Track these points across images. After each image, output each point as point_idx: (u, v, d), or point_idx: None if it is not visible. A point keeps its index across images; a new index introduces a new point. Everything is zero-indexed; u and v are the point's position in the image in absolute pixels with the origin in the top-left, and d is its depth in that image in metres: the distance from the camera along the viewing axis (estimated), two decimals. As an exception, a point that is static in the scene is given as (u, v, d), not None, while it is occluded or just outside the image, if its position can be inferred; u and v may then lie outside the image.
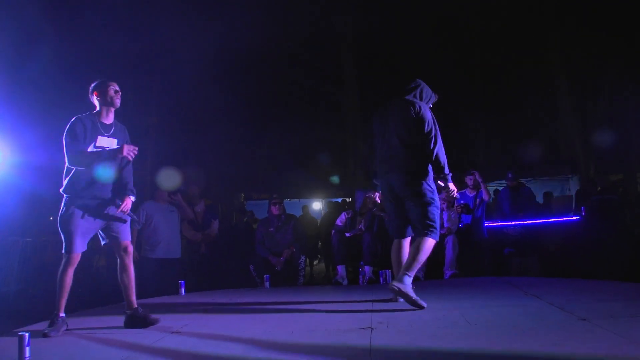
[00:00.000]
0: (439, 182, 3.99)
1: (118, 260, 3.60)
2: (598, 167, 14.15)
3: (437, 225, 3.84)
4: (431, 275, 6.04)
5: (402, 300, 3.89)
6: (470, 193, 6.79)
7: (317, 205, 15.04)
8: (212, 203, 7.81)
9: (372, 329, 3.02)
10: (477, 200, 6.68)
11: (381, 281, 5.50)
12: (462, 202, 6.68)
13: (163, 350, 2.85)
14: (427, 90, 4.11)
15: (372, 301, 4.03)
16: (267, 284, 5.62)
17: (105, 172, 3.49)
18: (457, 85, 14.46)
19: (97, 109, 3.61)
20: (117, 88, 3.63)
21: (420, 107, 3.90)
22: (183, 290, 5.19)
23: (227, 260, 6.96)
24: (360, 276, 6.02)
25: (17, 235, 7.26)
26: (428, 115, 3.87)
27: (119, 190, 3.65)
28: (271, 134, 16.34)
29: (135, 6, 11.25)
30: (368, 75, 15.37)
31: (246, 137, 15.97)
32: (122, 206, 3.59)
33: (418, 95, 4.05)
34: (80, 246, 3.44)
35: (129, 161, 3.68)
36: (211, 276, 6.59)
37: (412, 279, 3.75)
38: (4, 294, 6.57)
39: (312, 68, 15.58)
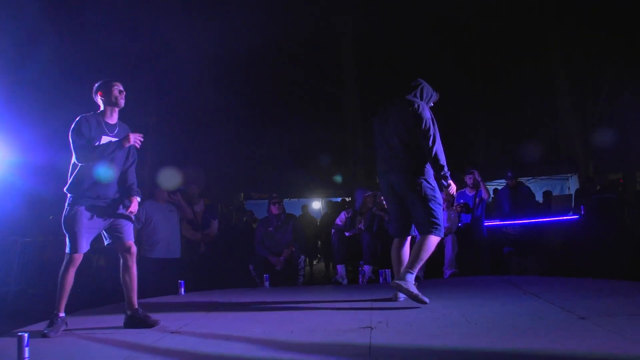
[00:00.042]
0: (439, 181, 4.00)
1: (121, 260, 3.60)
2: (598, 167, 14.17)
3: (441, 222, 3.87)
4: (431, 275, 6.04)
5: (402, 299, 3.91)
6: (469, 192, 6.79)
7: (316, 204, 15.04)
8: (211, 203, 7.80)
9: (372, 328, 3.02)
10: (477, 199, 6.68)
11: (381, 280, 5.50)
12: (461, 201, 6.69)
13: (163, 350, 2.85)
14: (427, 89, 4.12)
15: (372, 300, 4.03)
16: (266, 283, 5.62)
17: (106, 172, 3.48)
18: (457, 85, 14.47)
19: (101, 108, 3.60)
20: (121, 88, 3.62)
21: (419, 105, 3.91)
22: (183, 290, 5.19)
23: (226, 260, 6.95)
24: (360, 276, 6.02)
25: (16, 235, 7.26)
26: (427, 114, 3.88)
27: (123, 190, 3.65)
28: (271, 133, 16.34)
29: (135, 6, 11.25)
30: (368, 75, 15.39)
31: (246, 136, 15.97)
32: (131, 207, 3.59)
33: (418, 95, 4.05)
34: (83, 246, 3.43)
35: (134, 160, 3.69)
36: (211, 276, 6.58)
37: (414, 276, 3.78)
38: (3, 294, 6.57)
39: (312, 68, 15.59)
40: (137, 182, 3.78)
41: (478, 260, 6.43)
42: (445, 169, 3.84)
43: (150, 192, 6.44)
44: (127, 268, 3.58)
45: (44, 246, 7.53)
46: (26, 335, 2.65)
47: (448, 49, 15.34)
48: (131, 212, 3.61)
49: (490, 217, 7.17)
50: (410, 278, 3.74)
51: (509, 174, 7.43)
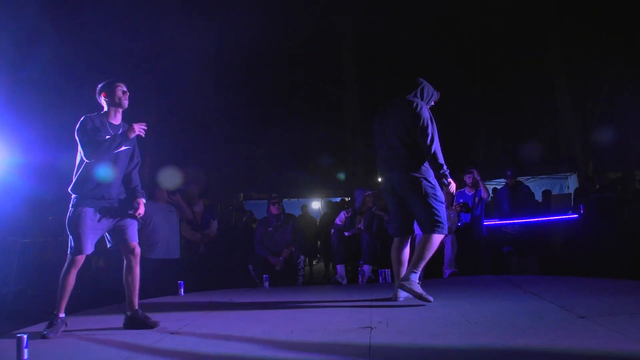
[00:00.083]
0: (439, 180, 4.00)
1: (125, 261, 3.59)
2: (597, 166, 14.17)
3: (443, 219, 3.88)
4: (430, 275, 6.03)
5: (401, 299, 3.92)
6: (469, 192, 6.79)
7: (316, 204, 15.04)
8: (211, 203, 7.80)
9: (372, 328, 3.02)
10: (476, 198, 6.68)
11: (380, 280, 5.51)
12: (461, 200, 6.69)
13: (163, 350, 2.85)
14: (428, 89, 4.13)
15: (372, 300, 4.03)
16: (266, 283, 5.62)
17: (110, 172, 3.48)
18: (457, 85, 14.47)
19: (105, 109, 3.60)
20: (125, 89, 3.62)
21: (417, 104, 3.93)
22: (182, 290, 5.19)
23: (226, 260, 6.95)
24: (360, 275, 6.02)
25: (16, 235, 7.25)
26: (425, 114, 3.90)
27: (128, 191, 3.65)
28: (271, 133, 16.34)
29: (135, 6, 11.24)
30: (368, 75, 15.38)
31: (246, 136, 15.96)
32: (139, 209, 3.59)
33: (419, 94, 4.07)
34: (88, 248, 3.41)
35: (138, 162, 3.69)
36: (210, 276, 6.58)
37: (418, 275, 3.83)
38: (3, 295, 6.56)
39: (312, 68, 15.58)
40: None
41: (477, 260, 6.43)
42: (444, 167, 3.85)
43: (149, 192, 6.44)
44: (130, 269, 3.57)
45: (44, 247, 7.53)
46: (25, 336, 2.64)
47: (448, 49, 15.34)
48: (139, 214, 3.61)
49: (489, 217, 7.17)
50: (415, 277, 3.80)
51: (508, 173, 7.44)
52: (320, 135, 16.60)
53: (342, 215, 6.69)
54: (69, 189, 3.48)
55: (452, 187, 3.96)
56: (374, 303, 3.91)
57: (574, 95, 14.48)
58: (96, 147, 3.40)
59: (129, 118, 3.73)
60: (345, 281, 6.19)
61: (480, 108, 16.20)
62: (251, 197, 14.53)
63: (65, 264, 3.42)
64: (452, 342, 2.64)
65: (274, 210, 6.59)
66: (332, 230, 6.63)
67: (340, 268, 6.31)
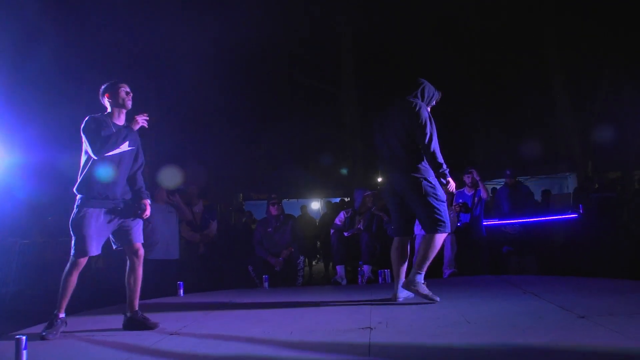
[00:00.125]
0: (438, 179, 4.01)
1: (128, 262, 3.59)
2: (597, 166, 14.17)
3: (445, 218, 3.90)
4: (430, 275, 5.97)
5: (401, 299, 3.93)
6: (468, 192, 6.79)
7: (315, 205, 15.04)
8: (210, 203, 7.79)
9: (372, 328, 3.02)
10: (476, 198, 6.69)
11: (380, 281, 5.51)
12: (460, 201, 6.69)
13: (162, 351, 2.85)
14: (429, 89, 4.14)
15: (371, 301, 4.03)
16: (265, 284, 5.62)
17: (111, 172, 3.47)
18: (456, 85, 14.46)
19: (109, 110, 3.60)
20: (128, 89, 3.61)
21: (416, 104, 3.95)
22: (182, 291, 5.18)
23: (225, 261, 6.94)
24: (359, 276, 6.02)
25: (16, 236, 7.24)
26: (424, 113, 3.91)
27: (132, 192, 3.65)
28: (270, 133, 16.32)
29: (134, 5, 11.23)
30: (368, 75, 15.38)
31: (245, 137, 15.95)
32: (146, 211, 3.60)
33: (419, 95, 4.08)
34: (91, 249, 3.38)
35: (142, 163, 3.70)
36: (210, 277, 6.57)
37: (423, 275, 3.86)
38: (2, 296, 6.56)
39: (312, 68, 15.57)
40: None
41: (477, 260, 6.43)
42: (444, 166, 3.87)
43: (150, 193, 6.42)
44: (133, 270, 3.57)
45: (43, 247, 7.51)
46: (24, 337, 2.64)
47: (448, 49, 15.33)
48: (146, 216, 3.62)
49: (489, 217, 7.17)
50: (420, 278, 3.84)
51: (508, 173, 7.44)
52: (319, 136, 16.59)
53: (342, 216, 6.68)
54: (74, 189, 3.47)
55: (451, 186, 3.97)
56: (373, 303, 3.91)
57: (573, 95, 14.50)
58: (104, 142, 3.40)
59: (129, 118, 3.73)
60: (344, 282, 6.19)
61: (479, 108, 16.20)
62: (250, 197, 14.53)
63: (68, 265, 3.40)
64: (452, 343, 2.64)
65: (273, 210, 6.59)
66: (332, 231, 6.62)
67: (340, 268, 6.31)
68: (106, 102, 3.60)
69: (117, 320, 3.58)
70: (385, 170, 4.12)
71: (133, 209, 3.58)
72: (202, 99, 13.17)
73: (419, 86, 4.11)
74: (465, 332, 2.85)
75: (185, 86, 12.34)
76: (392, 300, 3.95)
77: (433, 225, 3.85)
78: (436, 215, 3.85)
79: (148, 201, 3.67)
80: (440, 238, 3.89)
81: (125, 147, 3.54)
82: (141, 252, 3.60)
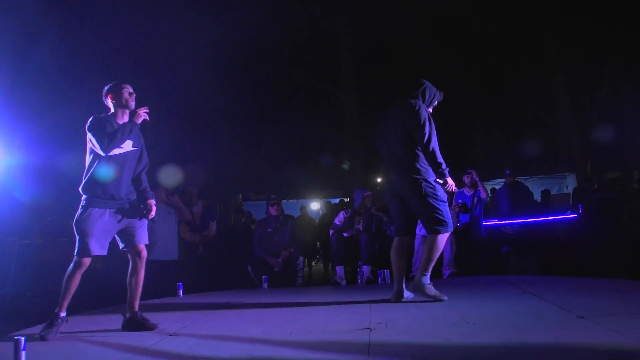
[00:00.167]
0: (438, 179, 4.02)
1: (130, 263, 3.59)
2: (597, 167, 14.17)
3: (446, 217, 3.93)
4: (430, 275, 6.03)
5: (401, 300, 3.93)
6: (467, 192, 6.79)
7: (315, 205, 15.03)
8: (210, 204, 7.78)
9: (371, 329, 3.01)
10: (475, 199, 6.69)
11: (379, 281, 5.51)
12: (459, 201, 6.69)
13: (161, 352, 2.84)
14: (430, 90, 4.15)
15: (371, 301, 4.03)
16: (265, 285, 5.61)
17: (111, 172, 3.47)
18: (456, 85, 14.46)
19: (112, 111, 3.60)
20: (131, 90, 3.62)
21: (415, 104, 3.97)
22: (181, 292, 5.18)
23: (225, 262, 6.93)
24: (359, 276, 6.01)
25: (14, 236, 7.23)
26: (423, 114, 3.93)
27: (137, 193, 3.65)
28: (270, 133, 16.32)
29: (135, 5, 11.23)
30: (368, 75, 15.38)
31: (245, 137, 15.94)
32: (152, 212, 3.61)
33: (420, 96, 4.09)
34: (95, 249, 3.38)
35: (146, 164, 3.71)
36: (209, 277, 6.56)
37: (429, 277, 3.93)
38: (1, 296, 6.55)
39: (312, 68, 15.57)
40: None
41: (477, 260, 6.42)
42: (443, 166, 3.89)
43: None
44: (135, 271, 3.57)
45: (42, 248, 7.50)
46: (23, 338, 2.63)
47: (448, 49, 15.33)
48: (151, 216, 3.63)
49: (488, 217, 7.17)
50: (426, 280, 3.91)
51: (507, 172, 7.43)
52: (319, 136, 16.59)
53: (341, 216, 6.68)
54: (79, 189, 3.47)
55: (450, 186, 3.98)
56: (373, 304, 3.91)
57: (573, 95, 14.50)
58: (111, 137, 3.41)
59: (131, 115, 3.72)
60: (344, 282, 6.18)
61: (479, 108, 16.20)
62: (250, 197, 14.51)
63: (71, 265, 3.39)
64: (452, 343, 2.64)
65: (272, 211, 6.58)
66: (331, 231, 6.62)
67: (339, 269, 6.30)
68: (109, 102, 3.61)
69: (116, 320, 3.57)
70: (385, 171, 4.16)
71: (138, 210, 3.59)
72: (202, 99, 13.16)
73: (420, 87, 4.13)
74: (464, 332, 2.84)
75: (185, 86, 12.33)
76: (392, 301, 3.95)
77: (434, 225, 3.88)
78: (437, 216, 3.88)
79: (153, 201, 3.68)
80: (442, 238, 3.92)
81: (129, 147, 3.55)
82: (144, 253, 3.61)
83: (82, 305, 3.58)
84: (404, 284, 4.04)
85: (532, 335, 2.68)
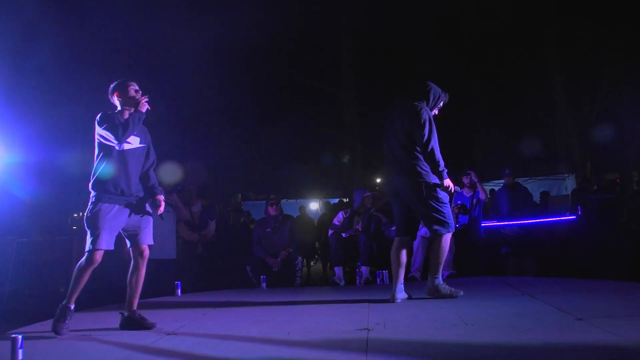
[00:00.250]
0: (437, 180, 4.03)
1: (132, 261, 3.59)
2: (598, 167, 14.18)
3: (447, 218, 3.97)
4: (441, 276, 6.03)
5: (399, 300, 3.94)
6: (467, 193, 6.78)
7: (314, 205, 15.02)
8: (209, 203, 7.78)
9: (369, 329, 3.01)
10: (474, 200, 6.68)
11: (378, 282, 5.51)
12: (458, 202, 6.69)
13: (160, 351, 2.84)
14: (435, 92, 4.16)
15: (369, 302, 4.03)
16: (263, 284, 5.61)
17: (120, 169, 3.48)
18: (456, 85, 14.44)
19: (119, 109, 3.62)
20: (137, 87, 3.64)
21: (416, 106, 3.99)
22: (179, 291, 5.17)
23: (224, 261, 6.93)
24: (357, 277, 6.01)
25: (13, 234, 7.23)
26: (424, 115, 3.95)
27: (145, 190, 3.66)
28: (269, 133, 16.31)
29: (134, 5, 11.23)
30: (368, 75, 15.38)
31: (244, 136, 15.94)
32: (161, 208, 3.64)
33: (424, 98, 4.09)
34: (107, 243, 3.38)
35: (154, 160, 3.73)
36: (208, 277, 6.56)
37: (440, 278, 4.05)
38: (-1, 294, 6.55)
39: (312, 67, 15.56)
40: None
41: (475, 261, 6.42)
42: (442, 166, 3.90)
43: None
44: (136, 270, 3.57)
45: (41, 246, 7.50)
46: (20, 337, 2.63)
47: (448, 49, 15.32)
48: (160, 212, 3.66)
49: (487, 218, 7.16)
50: (438, 281, 4.03)
51: (507, 172, 7.42)
52: (319, 136, 16.59)
53: (340, 216, 6.67)
54: (89, 186, 3.48)
55: (450, 185, 3.98)
56: (371, 305, 3.91)
57: (573, 95, 14.50)
58: (124, 127, 3.42)
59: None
60: (343, 282, 6.18)
61: (479, 108, 16.20)
62: (249, 197, 14.50)
63: (83, 260, 3.38)
64: (450, 344, 2.63)
65: (272, 211, 6.58)
66: (330, 232, 6.61)
67: (338, 269, 6.30)
68: (116, 100, 3.62)
69: (115, 319, 3.56)
70: (387, 172, 4.19)
71: (147, 206, 3.61)
72: (202, 99, 13.16)
73: (424, 89, 4.14)
74: (463, 333, 2.84)
75: (185, 86, 12.33)
76: (390, 302, 3.95)
77: (436, 226, 3.93)
78: (438, 216, 3.92)
79: (162, 197, 3.70)
80: (446, 239, 4.00)
81: (137, 144, 3.58)
82: (146, 253, 3.61)
83: (80, 302, 3.56)
84: (403, 285, 4.04)
85: (530, 336, 2.68)
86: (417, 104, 4.01)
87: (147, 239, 3.62)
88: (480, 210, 6.75)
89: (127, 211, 3.51)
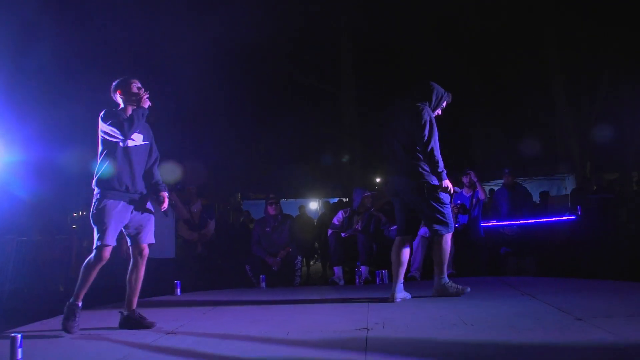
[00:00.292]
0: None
1: (132, 259, 3.59)
2: (597, 168, 14.16)
3: (447, 218, 3.99)
4: (428, 276, 6.02)
5: (398, 300, 3.95)
6: (466, 193, 6.78)
7: (314, 205, 15.02)
8: (209, 203, 7.78)
9: (368, 329, 3.01)
10: (474, 200, 6.68)
11: (377, 281, 5.51)
12: (458, 202, 6.68)
13: (159, 350, 2.84)
14: (437, 92, 4.17)
15: (369, 302, 4.03)
16: (263, 284, 5.61)
17: (123, 165, 3.48)
18: (456, 85, 14.42)
19: (122, 106, 3.62)
20: (140, 85, 3.65)
21: (417, 106, 3.99)
22: (179, 290, 5.17)
23: (223, 261, 6.93)
24: (357, 276, 6.00)
25: (13, 233, 7.23)
26: (425, 116, 3.95)
27: (149, 187, 3.67)
28: (269, 133, 16.30)
29: (134, 4, 11.22)
30: (367, 75, 15.37)
31: (244, 136, 15.93)
32: (165, 204, 3.64)
33: (426, 98, 4.09)
34: (111, 238, 3.39)
35: (157, 157, 3.74)
36: (207, 276, 6.56)
37: (446, 277, 4.09)
38: (-2, 293, 6.55)
39: (312, 67, 15.56)
40: None
41: (475, 261, 6.42)
42: (441, 166, 3.90)
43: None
44: (136, 269, 3.57)
45: (41, 245, 7.51)
46: (19, 336, 2.62)
47: (448, 48, 15.32)
48: (164, 208, 3.68)
49: (487, 218, 7.16)
50: (445, 281, 4.07)
51: (506, 171, 7.42)
52: (319, 135, 16.58)
53: (340, 215, 6.67)
54: (93, 184, 3.49)
55: (448, 185, 3.99)
56: (370, 304, 3.91)
57: (573, 95, 14.50)
58: (128, 123, 3.43)
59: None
60: (342, 282, 6.18)
61: (479, 108, 16.19)
62: (249, 197, 14.51)
63: (92, 257, 3.38)
64: (450, 343, 2.63)
65: (271, 210, 6.58)
66: (330, 231, 6.61)
67: (337, 269, 6.29)
68: (118, 98, 3.63)
69: (114, 318, 3.56)
70: (387, 172, 4.21)
71: (150, 202, 3.61)
72: (202, 99, 13.16)
73: (427, 89, 4.14)
74: (462, 333, 2.84)
75: (185, 86, 12.33)
76: (390, 301, 3.95)
77: (437, 226, 3.95)
78: (438, 216, 3.93)
79: (166, 194, 3.71)
80: (447, 239, 4.02)
81: (140, 141, 3.59)
82: (146, 252, 3.62)
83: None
84: (402, 284, 4.04)
85: (530, 336, 2.68)
86: (419, 104, 4.02)
87: (148, 237, 3.62)
88: (480, 210, 6.75)
89: (131, 208, 3.52)
